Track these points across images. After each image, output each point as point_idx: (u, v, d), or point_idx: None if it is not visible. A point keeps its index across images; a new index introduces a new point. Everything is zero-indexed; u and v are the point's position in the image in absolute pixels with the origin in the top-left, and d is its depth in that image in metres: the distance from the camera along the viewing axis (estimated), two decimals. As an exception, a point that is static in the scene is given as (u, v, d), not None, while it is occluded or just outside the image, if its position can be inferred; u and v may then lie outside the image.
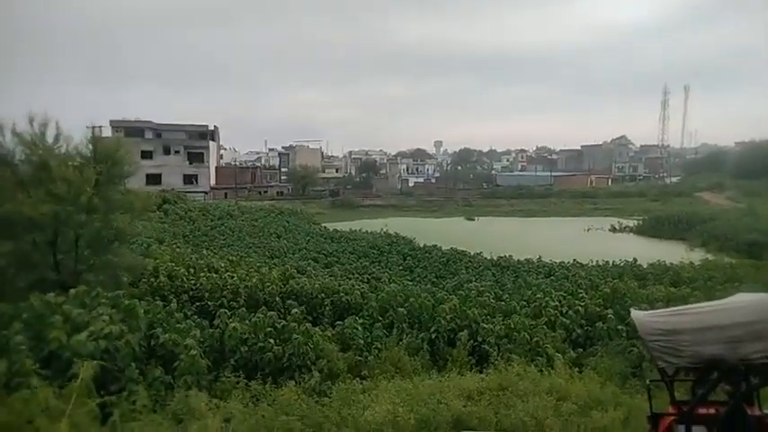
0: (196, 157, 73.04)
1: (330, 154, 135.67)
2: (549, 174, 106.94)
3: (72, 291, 11.26)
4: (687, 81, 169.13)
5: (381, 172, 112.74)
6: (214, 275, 17.03)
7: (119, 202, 15.55)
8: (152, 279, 16.36)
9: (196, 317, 13.52)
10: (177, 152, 71.91)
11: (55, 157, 14.57)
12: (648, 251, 32.90)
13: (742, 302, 3.74)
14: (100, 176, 14.75)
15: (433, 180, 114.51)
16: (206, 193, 68.89)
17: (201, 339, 11.18)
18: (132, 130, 66.44)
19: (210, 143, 76.33)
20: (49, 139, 14.69)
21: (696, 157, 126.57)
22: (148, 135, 72.07)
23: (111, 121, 64.91)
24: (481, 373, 10.20)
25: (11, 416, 3.44)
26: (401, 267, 27.11)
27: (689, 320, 3.62)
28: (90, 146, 15.70)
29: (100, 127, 39.96)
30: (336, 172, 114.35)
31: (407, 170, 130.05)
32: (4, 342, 9.00)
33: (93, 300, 11.06)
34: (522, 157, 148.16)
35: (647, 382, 4.69)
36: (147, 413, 6.96)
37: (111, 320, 9.84)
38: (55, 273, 14.02)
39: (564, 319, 14.33)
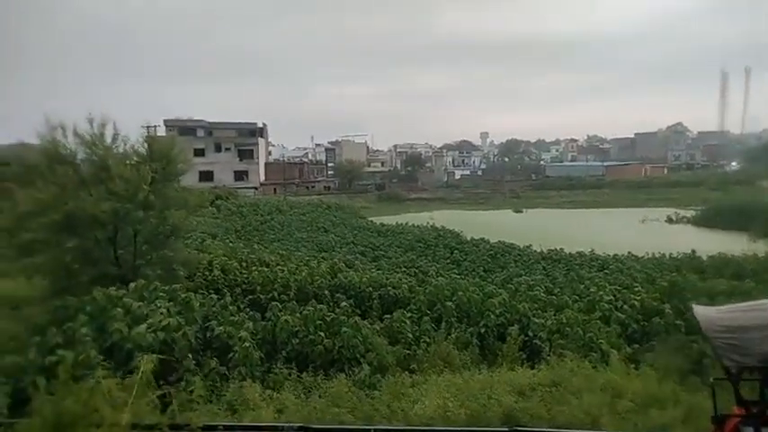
0: (246, 154, 74.69)
1: (375, 148, 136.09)
2: (600, 164, 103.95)
3: (132, 284, 11.72)
4: (748, 63, 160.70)
5: (427, 165, 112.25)
6: (265, 269, 17.36)
7: (174, 199, 16.06)
8: (206, 273, 16.80)
9: (249, 310, 13.81)
10: (228, 149, 73.73)
11: (113, 156, 15.16)
12: (708, 243, 31.51)
13: None
14: (155, 174, 15.26)
15: (480, 172, 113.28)
16: (256, 188, 70.41)
17: (254, 332, 11.41)
18: (185, 128, 68.61)
19: (260, 140, 77.86)
20: (108, 138, 15.32)
21: (759, 144, 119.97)
22: (200, 133, 74.16)
23: (165, 121, 67.25)
24: (533, 368, 10.01)
25: (78, 404, 3.61)
26: (448, 261, 26.95)
27: (758, 317, 3.44)
28: (146, 145, 16.28)
29: (154, 126, 41.54)
30: (382, 166, 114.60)
31: (453, 162, 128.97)
32: (70, 334, 9.50)
33: (152, 293, 11.49)
34: (573, 147, 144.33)
35: (711, 380, 4.48)
36: (204, 403, 7.18)
37: (169, 313, 10.20)
38: (116, 267, 14.62)
39: (619, 314, 13.91)
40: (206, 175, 64.87)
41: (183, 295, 11.66)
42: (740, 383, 3.63)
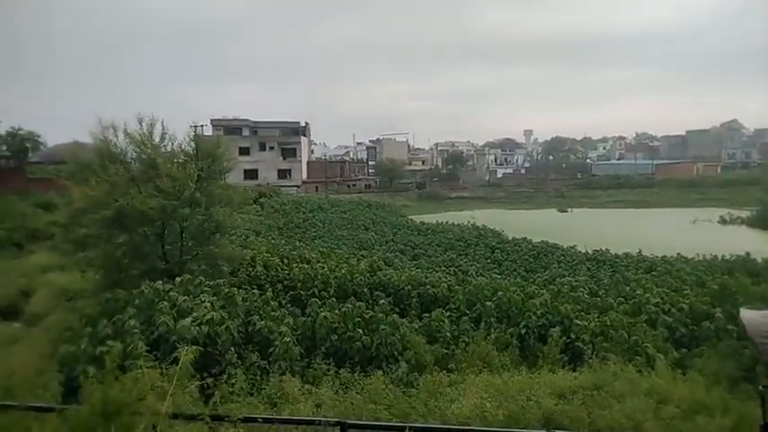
0: (289, 153, 75.81)
1: (416, 146, 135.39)
2: (650, 162, 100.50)
3: (178, 279, 12.11)
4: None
5: (468, 163, 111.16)
6: (306, 266, 17.62)
7: (219, 197, 16.50)
8: (249, 269, 17.20)
9: (289, 305, 14.09)
10: (272, 148, 75.02)
11: (161, 154, 15.69)
12: (763, 245, 30.13)
13: None
14: (201, 173, 15.71)
15: (523, 171, 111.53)
16: (298, 186, 71.39)
17: (294, 327, 11.62)
18: (231, 128, 70.26)
19: (302, 139, 78.93)
20: (156, 138, 15.86)
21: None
22: (245, 132, 75.73)
23: (212, 120, 68.95)
24: (574, 371, 9.81)
25: (123, 393, 3.77)
26: (489, 260, 26.69)
27: None
28: (192, 144, 16.76)
29: (201, 126, 42.75)
30: (423, 164, 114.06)
31: (495, 161, 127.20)
32: (120, 325, 9.90)
33: (197, 287, 11.85)
34: (621, 145, 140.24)
35: (761, 387, 4.30)
36: (245, 396, 7.36)
37: (213, 307, 10.50)
38: (163, 262, 15.14)
39: (666, 318, 13.49)
40: (251, 174, 66.22)
41: (226, 290, 11.98)
42: None
